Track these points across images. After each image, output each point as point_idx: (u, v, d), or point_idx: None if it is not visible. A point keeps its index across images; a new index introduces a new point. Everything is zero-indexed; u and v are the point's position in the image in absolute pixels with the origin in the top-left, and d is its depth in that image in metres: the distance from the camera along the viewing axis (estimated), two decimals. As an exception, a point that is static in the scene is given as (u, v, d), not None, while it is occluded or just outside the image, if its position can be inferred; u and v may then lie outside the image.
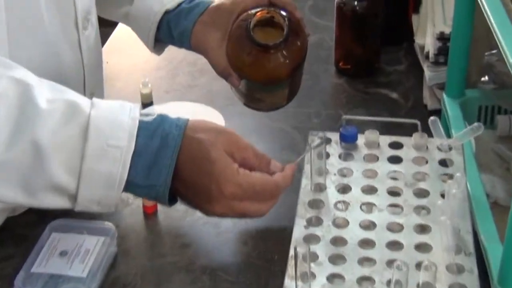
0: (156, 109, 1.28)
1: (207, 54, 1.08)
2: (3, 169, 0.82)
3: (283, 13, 1.00)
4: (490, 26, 0.89)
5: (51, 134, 0.82)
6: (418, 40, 1.34)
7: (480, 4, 0.95)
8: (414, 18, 1.40)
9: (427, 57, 1.27)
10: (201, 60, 1.13)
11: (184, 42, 1.10)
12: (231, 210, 0.89)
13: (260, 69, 1.00)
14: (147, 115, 0.88)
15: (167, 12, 1.10)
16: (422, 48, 1.31)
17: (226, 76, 1.06)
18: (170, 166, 0.86)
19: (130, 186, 0.86)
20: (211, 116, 1.24)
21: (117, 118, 0.85)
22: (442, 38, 1.22)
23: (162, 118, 0.88)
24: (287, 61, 1.00)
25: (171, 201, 0.90)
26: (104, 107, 0.86)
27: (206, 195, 0.88)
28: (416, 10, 1.41)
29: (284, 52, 0.99)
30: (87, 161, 0.83)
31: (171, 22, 1.10)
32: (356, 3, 1.32)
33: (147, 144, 0.85)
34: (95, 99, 0.87)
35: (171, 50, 1.19)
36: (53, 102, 0.83)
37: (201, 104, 1.28)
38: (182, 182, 0.88)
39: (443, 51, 1.23)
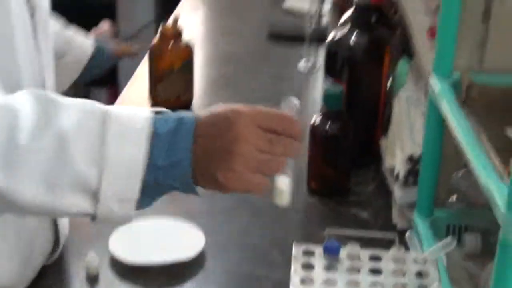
0: (134, 226, 1.33)
1: None
2: (27, 161, 0.87)
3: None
4: (460, 147, 1.04)
5: (74, 123, 0.89)
6: (387, 162, 1.53)
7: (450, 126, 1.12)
8: (383, 142, 1.58)
9: (397, 178, 1.44)
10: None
11: None
12: (253, 159, 0.93)
13: None
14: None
15: None
16: (391, 170, 1.49)
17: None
18: (189, 139, 0.92)
19: (152, 171, 0.91)
20: (191, 232, 1.35)
21: (133, 109, 0.94)
22: (412, 160, 1.40)
23: (172, 112, 0.96)
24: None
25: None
26: (118, 106, 0.95)
27: (225, 152, 0.92)
28: (385, 134, 1.60)
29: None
30: (108, 147, 0.89)
31: None
32: (327, 126, 1.51)
33: (163, 126, 0.92)
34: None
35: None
36: (71, 100, 0.93)
37: (181, 220, 1.39)
38: (201, 153, 0.92)
39: (412, 173, 1.40)
